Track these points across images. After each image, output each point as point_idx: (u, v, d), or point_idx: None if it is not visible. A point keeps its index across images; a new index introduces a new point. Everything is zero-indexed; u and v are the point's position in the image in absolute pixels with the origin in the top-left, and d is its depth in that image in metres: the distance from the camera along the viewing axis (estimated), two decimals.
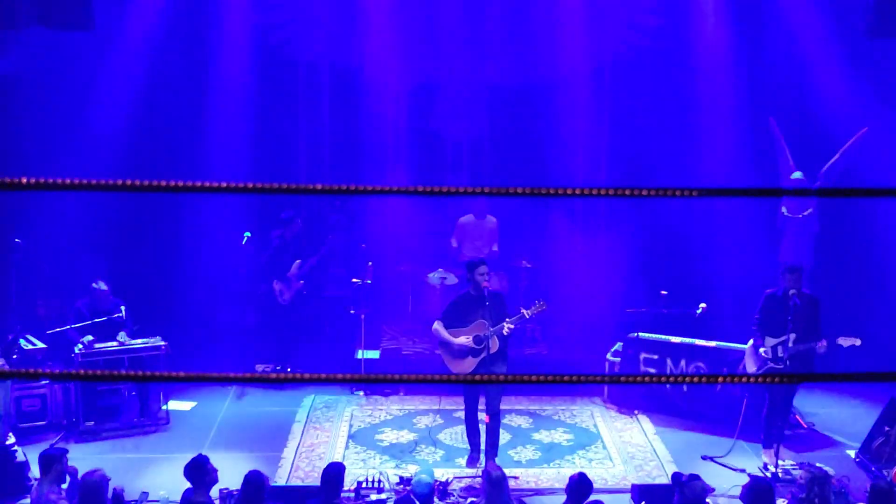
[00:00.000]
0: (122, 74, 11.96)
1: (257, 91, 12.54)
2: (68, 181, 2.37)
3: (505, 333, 8.78)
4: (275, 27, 12.61)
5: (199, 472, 7.08)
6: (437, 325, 9.06)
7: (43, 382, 9.73)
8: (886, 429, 9.11)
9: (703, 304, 10.73)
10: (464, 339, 8.88)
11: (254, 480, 6.98)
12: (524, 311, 8.86)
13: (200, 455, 7.30)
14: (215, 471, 7.18)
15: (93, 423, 9.79)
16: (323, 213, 13.08)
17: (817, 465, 8.19)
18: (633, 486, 8.38)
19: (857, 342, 8.76)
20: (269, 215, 11.95)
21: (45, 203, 11.48)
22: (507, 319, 8.79)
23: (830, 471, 7.96)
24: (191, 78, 12.33)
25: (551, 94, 12.80)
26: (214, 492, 7.44)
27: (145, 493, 8.15)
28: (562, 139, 12.90)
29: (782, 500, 7.66)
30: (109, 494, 7.06)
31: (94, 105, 11.78)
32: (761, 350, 9.11)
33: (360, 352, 11.43)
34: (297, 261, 11.52)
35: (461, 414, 9.41)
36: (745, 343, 9.56)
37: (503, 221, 12.36)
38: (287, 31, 12.65)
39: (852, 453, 9.44)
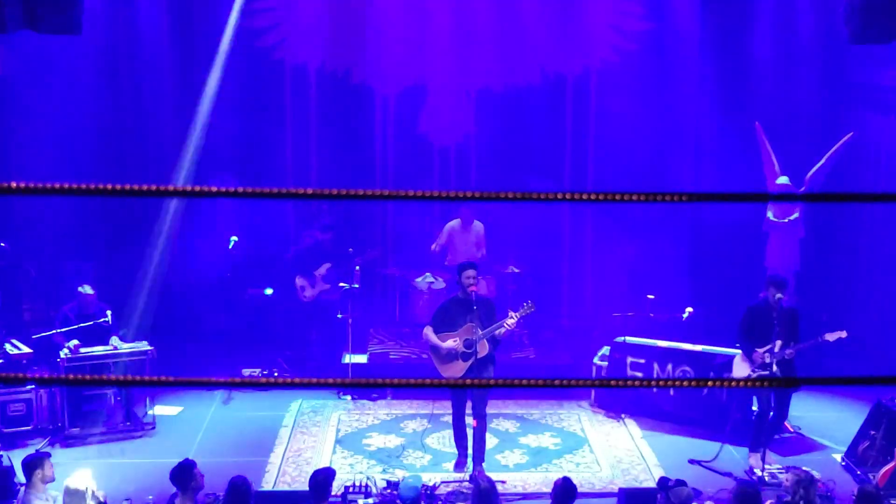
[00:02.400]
0: (108, 79, 11.94)
1: (244, 95, 12.52)
2: (56, 185, 2.36)
3: (508, 324, 8.76)
4: (261, 31, 12.60)
5: (186, 476, 7.05)
6: (427, 330, 9.08)
7: (28, 387, 9.68)
8: (872, 432, 9.14)
9: (689, 309, 10.75)
10: (451, 343, 8.88)
11: (238, 486, 6.96)
12: (512, 314, 8.83)
13: (188, 459, 7.27)
14: (202, 476, 7.14)
15: (78, 428, 9.75)
16: (360, 225, 12.95)
17: (803, 468, 8.21)
18: (620, 489, 8.37)
19: (843, 335, 8.78)
20: (259, 218, 11.92)
21: (30, 207, 11.43)
22: (511, 312, 8.80)
23: (816, 474, 7.98)
24: (177, 82, 12.31)
25: (539, 98, 12.83)
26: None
27: (129, 500, 8.10)
28: (549, 144, 12.94)
29: (769, 502, 7.67)
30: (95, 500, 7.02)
31: (81, 109, 11.74)
32: (755, 358, 9.07)
33: (347, 356, 11.42)
34: (328, 264, 11.61)
35: (449, 418, 9.40)
36: (731, 347, 9.58)
37: (490, 226, 12.34)
38: (274, 35, 12.64)
39: (838, 457, 9.47)
